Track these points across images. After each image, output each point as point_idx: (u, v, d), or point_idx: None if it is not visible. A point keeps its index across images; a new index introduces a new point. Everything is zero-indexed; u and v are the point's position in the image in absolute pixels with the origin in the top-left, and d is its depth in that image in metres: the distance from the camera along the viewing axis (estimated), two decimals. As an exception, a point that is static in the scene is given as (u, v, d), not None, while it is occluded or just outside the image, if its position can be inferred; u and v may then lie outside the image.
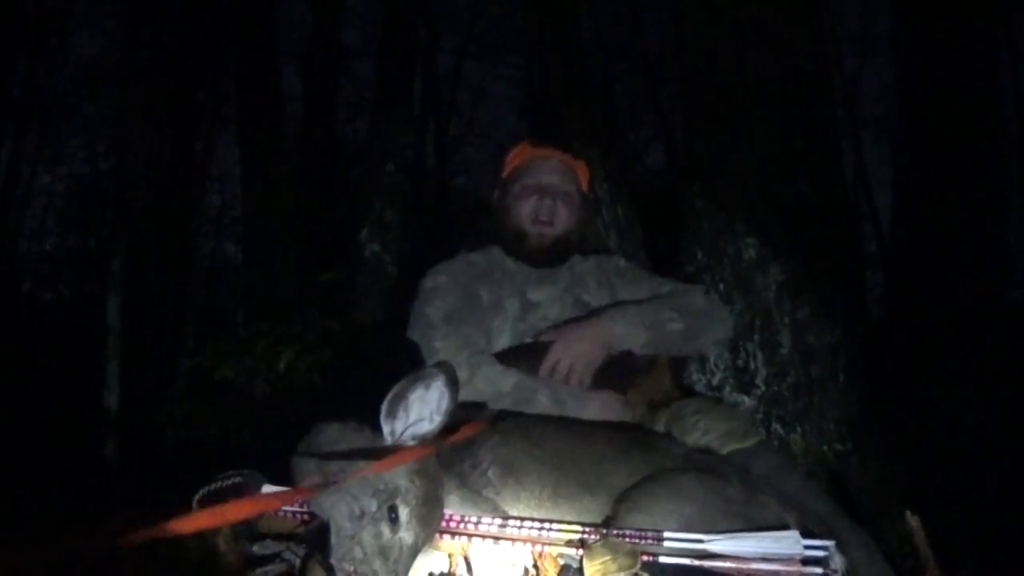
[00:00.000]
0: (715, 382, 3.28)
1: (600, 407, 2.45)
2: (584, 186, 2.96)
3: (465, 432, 1.78)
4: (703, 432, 2.24)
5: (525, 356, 2.57)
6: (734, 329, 3.00)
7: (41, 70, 15.67)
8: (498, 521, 1.71)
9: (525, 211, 2.81)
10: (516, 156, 2.93)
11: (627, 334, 2.55)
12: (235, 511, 1.36)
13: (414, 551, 1.58)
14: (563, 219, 2.81)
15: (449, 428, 1.66)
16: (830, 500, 2.26)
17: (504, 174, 2.96)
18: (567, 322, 2.64)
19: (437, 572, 1.70)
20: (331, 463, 1.58)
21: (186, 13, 12.87)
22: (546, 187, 2.81)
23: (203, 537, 1.65)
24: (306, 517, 1.70)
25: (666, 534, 1.67)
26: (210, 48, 13.07)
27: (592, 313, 2.65)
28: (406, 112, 7.31)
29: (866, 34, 18.00)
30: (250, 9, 8.99)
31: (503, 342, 2.71)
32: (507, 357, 2.58)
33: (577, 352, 2.51)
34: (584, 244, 3.01)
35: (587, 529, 1.70)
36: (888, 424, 3.57)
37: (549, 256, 2.82)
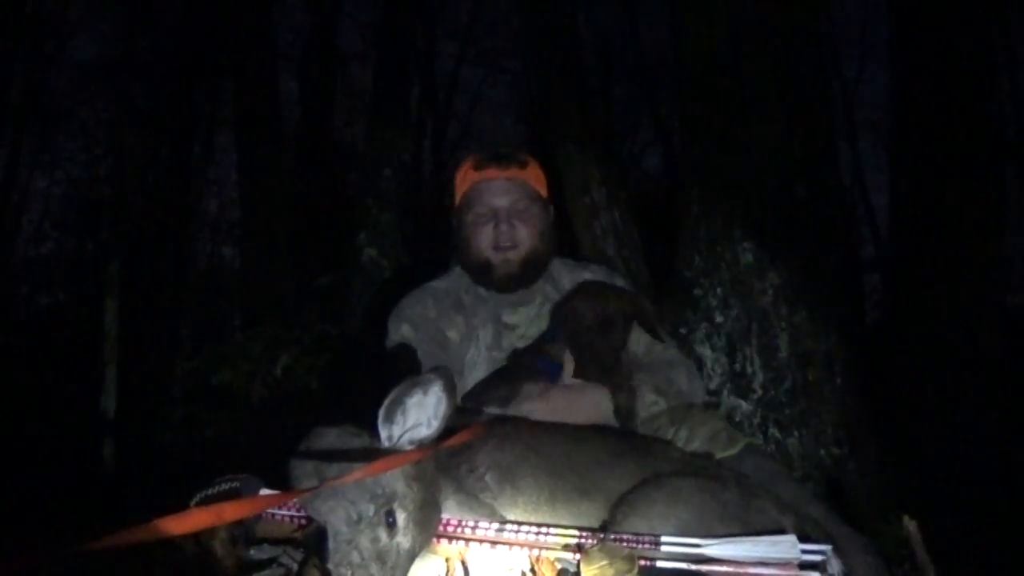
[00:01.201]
0: (712, 386, 3.28)
1: (588, 407, 2.42)
2: (542, 188, 2.82)
3: (462, 436, 1.78)
4: (685, 442, 2.22)
5: (500, 386, 2.51)
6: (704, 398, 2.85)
7: (38, 74, 15.67)
8: (495, 526, 1.71)
9: (484, 241, 2.70)
10: (462, 182, 2.80)
11: (613, 416, 2.43)
12: (231, 511, 1.36)
13: (411, 555, 1.58)
14: (525, 238, 2.70)
15: (447, 433, 1.66)
16: (823, 505, 2.25)
17: (456, 201, 2.84)
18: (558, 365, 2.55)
19: (434, 576, 1.70)
20: (328, 467, 1.58)
21: (183, 17, 12.89)
22: (499, 211, 2.70)
23: (200, 541, 1.65)
24: (303, 522, 1.70)
25: (663, 538, 1.67)
26: (207, 52, 13.08)
27: (584, 387, 2.50)
28: (403, 116, 7.33)
29: (864, 38, 18.06)
30: (247, 13, 8.99)
31: (478, 374, 2.66)
32: (482, 393, 2.53)
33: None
34: (555, 245, 2.86)
35: (584, 534, 1.70)
36: (885, 428, 3.58)
37: (519, 280, 2.73)
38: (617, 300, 2.56)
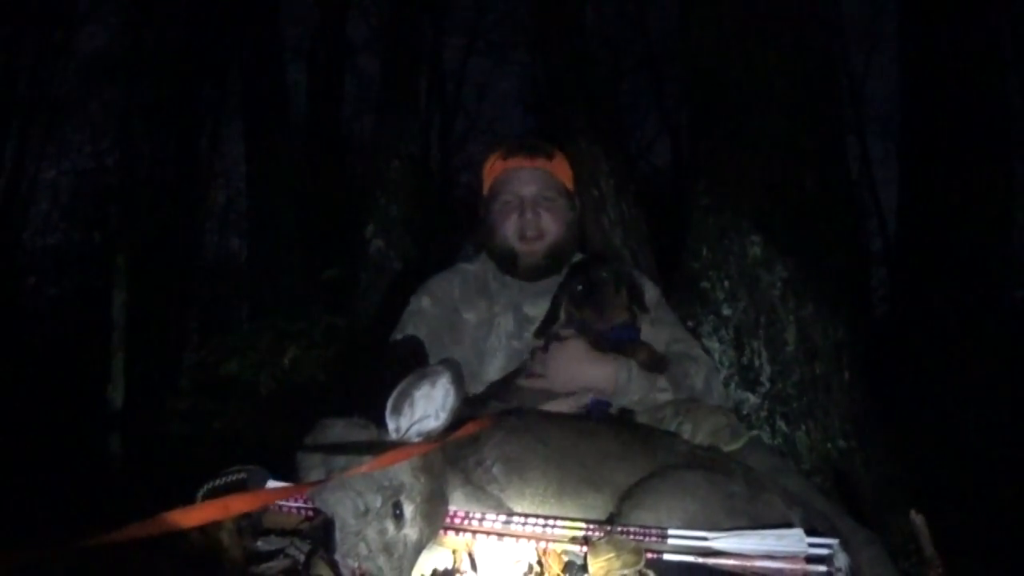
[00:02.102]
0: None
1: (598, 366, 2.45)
2: (568, 181, 2.85)
3: (470, 428, 1.78)
4: (689, 436, 2.20)
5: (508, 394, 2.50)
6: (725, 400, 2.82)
7: (46, 65, 15.69)
8: (502, 518, 1.71)
9: (510, 230, 2.72)
10: (490, 171, 2.83)
11: (621, 389, 2.44)
12: (238, 504, 1.36)
13: (418, 547, 1.58)
14: (550, 228, 2.72)
15: (454, 425, 1.66)
16: (827, 498, 2.25)
17: (484, 190, 2.87)
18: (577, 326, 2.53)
19: (441, 568, 1.70)
20: (335, 459, 1.58)
21: (191, 9, 12.88)
22: (525, 199, 2.72)
23: (207, 532, 1.65)
24: (311, 513, 1.70)
25: (670, 531, 1.67)
26: (215, 44, 13.07)
27: (599, 357, 2.49)
28: (411, 108, 7.32)
29: (872, 32, 17.98)
30: (255, 5, 8.99)
31: (498, 362, 2.67)
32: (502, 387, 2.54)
33: (563, 383, 2.45)
34: (579, 241, 2.92)
35: (591, 526, 1.70)
36: (893, 422, 3.57)
37: (544, 270, 2.75)
38: (603, 267, 2.60)
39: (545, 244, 2.72)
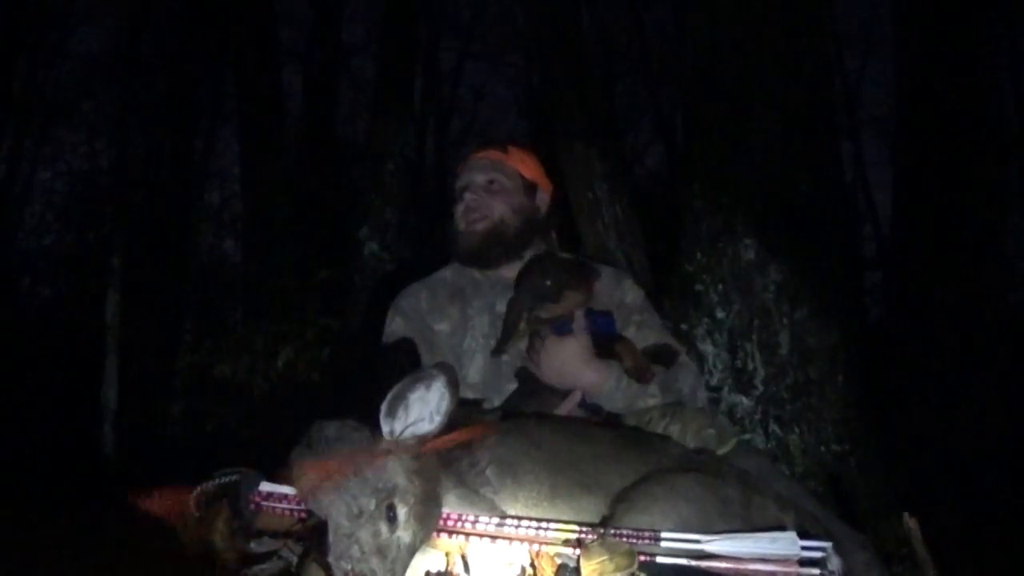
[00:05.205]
0: (714, 382, 3.28)
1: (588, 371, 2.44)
2: (527, 172, 2.81)
3: (466, 435, 1.77)
4: (676, 438, 2.19)
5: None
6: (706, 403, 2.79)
7: (41, 67, 15.68)
8: (495, 520, 1.71)
9: (458, 214, 2.74)
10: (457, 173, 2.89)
11: (607, 395, 2.44)
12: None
13: (412, 550, 1.58)
14: (493, 210, 2.70)
15: (449, 428, 1.66)
16: (818, 502, 2.25)
17: None
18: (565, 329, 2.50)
19: (434, 571, 1.70)
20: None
21: (186, 10, 12.87)
22: (472, 185, 2.74)
23: (201, 535, 1.65)
24: (304, 515, 1.70)
25: (663, 534, 1.67)
26: (210, 45, 13.06)
27: (597, 361, 2.46)
28: (406, 111, 7.32)
29: (867, 34, 18.03)
30: (250, 6, 8.98)
31: (477, 363, 2.65)
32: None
33: (552, 378, 2.45)
34: (543, 234, 2.84)
35: (584, 529, 1.70)
36: (886, 425, 3.57)
37: (484, 252, 2.72)
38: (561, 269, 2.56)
39: (486, 225, 2.70)
